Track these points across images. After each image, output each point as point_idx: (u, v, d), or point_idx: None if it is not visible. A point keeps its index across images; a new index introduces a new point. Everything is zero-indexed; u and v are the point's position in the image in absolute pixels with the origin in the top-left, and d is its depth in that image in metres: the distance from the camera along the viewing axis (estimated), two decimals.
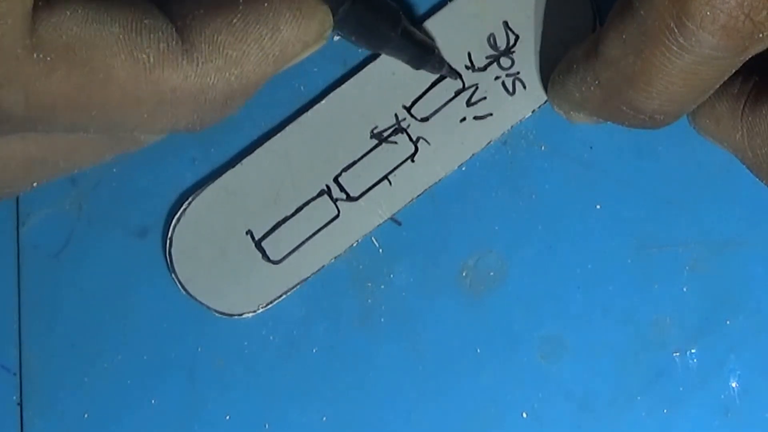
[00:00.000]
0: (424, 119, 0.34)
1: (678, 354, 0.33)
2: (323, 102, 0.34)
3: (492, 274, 0.34)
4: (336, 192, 0.34)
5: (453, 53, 0.34)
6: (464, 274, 0.34)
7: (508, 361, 0.34)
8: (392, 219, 0.34)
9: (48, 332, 0.35)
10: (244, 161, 0.34)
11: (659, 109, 0.28)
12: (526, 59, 0.34)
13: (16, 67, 0.23)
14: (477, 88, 0.34)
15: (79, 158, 0.28)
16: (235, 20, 0.25)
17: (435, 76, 0.34)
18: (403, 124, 0.34)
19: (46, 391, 0.35)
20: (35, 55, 0.23)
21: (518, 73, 0.34)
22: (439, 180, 0.34)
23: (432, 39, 0.34)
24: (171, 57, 0.25)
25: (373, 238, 0.34)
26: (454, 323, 0.34)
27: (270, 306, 0.34)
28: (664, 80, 0.27)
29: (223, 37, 0.25)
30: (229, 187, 0.34)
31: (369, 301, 0.34)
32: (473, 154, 0.34)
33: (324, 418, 0.34)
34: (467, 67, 0.34)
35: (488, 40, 0.34)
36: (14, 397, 0.35)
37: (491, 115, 0.34)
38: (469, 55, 0.34)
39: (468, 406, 0.33)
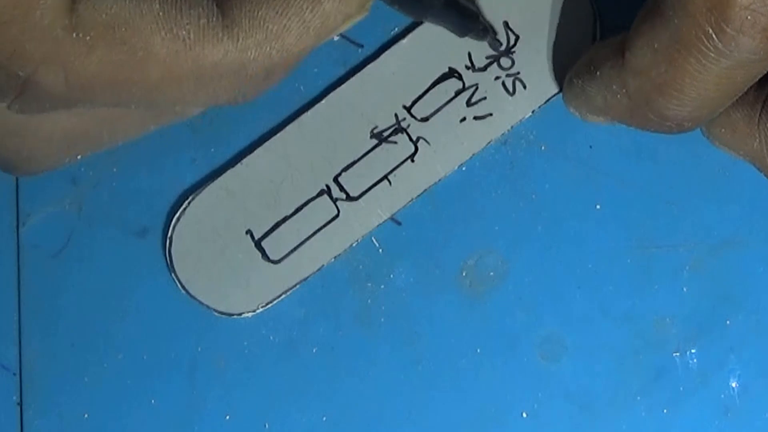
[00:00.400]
0: (424, 119, 0.34)
1: (678, 354, 0.33)
2: (323, 102, 0.34)
3: (492, 274, 0.34)
4: (336, 192, 0.34)
5: (453, 53, 0.34)
6: (464, 274, 0.34)
7: (508, 361, 0.34)
8: (392, 219, 0.34)
9: (48, 332, 0.35)
10: (244, 161, 0.34)
11: (688, 116, 0.28)
12: (527, 59, 0.34)
13: (56, 47, 0.23)
14: (477, 88, 0.34)
15: (123, 131, 0.28)
16: None
17: (435, 76, 0.34)
18: (403, 124, 0.34)
19: (46, 391, 0.35)
20: (74, 35, 0.23)
21: (518, 73, 0.34)
22: (439, 180, 0.34)
23: (477, 6, 0.34)
24: (211, 33, 0.24)
25: (373, 238, 0.34)
26: (454, 323, 0.34)
27: (270, 306, 0.34)
28: (697, 87, 0.27)
29: (264, 12, 0.25)
30: (229, 187, 0.34)
31: (369, 301, 0.34)
32: (473, 154, 0.34)
33: (324, 418, 0.34)
34: (467, 67, 0.34)
35: (487, 39, 0.34)
36: (14, 397, 0.35)
37: (491, 115, 0.34)
38: (469, 55, 0.34)
39: (468, 406, 0.33)
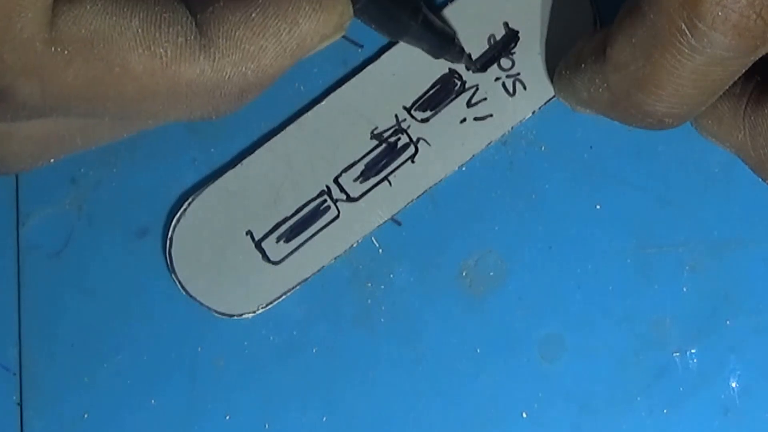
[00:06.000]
0: (425, 120, 0.34)
1: (678, 354, 0.33)
2: (323, 102, 0.34)
3: (492, 274, 0.34)
4: (336, 192, 0.34)
5: None
6: (464, 274, 0.34)
7: (508, 361, 0.34)
8: (392, 219, 0.34)
9: (48, 332, 0.35)
10: (245, 161, 0.34)
11: (668, 112, 0.28)
12: (527, 60, 0.34)
13: (34, 59, 0.23)
14: (477, 88, 0.34)
15: (96, 136, 0.28)
16: (254, 14, 0.25)
17: (435, 77, 0.34)
18: (404, 125, 0.34)
19: (46, 391, 0.35)
20: (53, 49, 0.23)
21: (518, 74, 0.34)
22: (439, 180, 0.34)
23: (452, 28, 0.34)
24: (188, 52, 0.25)
25: (373, 238, 0.34)
26: (454, 323, 0.34)
27: (270, 306, 0.34)
28: (674, 83, 0.27)
29: (241, 32, 0.25)
30: (229, 187, 0.34)
31: (369, 301, 0.34)
32: (473, 155, 0.34)
33: (324, 418, 0.34)
34: (467, 68, 0.34)
35: (488, 40, 0.34)
36: (14, 397, 0.35)
37: (491, 116, 0.34)
38: (469, 56, 0.34)
39: (468, 406, 0.33)
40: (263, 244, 0.34)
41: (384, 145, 0.34)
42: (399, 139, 0.34)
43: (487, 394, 0.33)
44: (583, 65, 0.30)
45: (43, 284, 0.35)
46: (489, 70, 0.34)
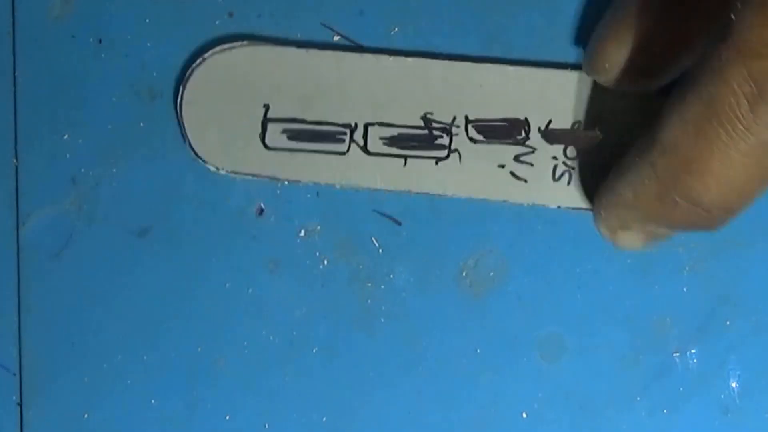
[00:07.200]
0: (472, 140, 0.34)
1: (678, 354, 0.33)
2: (416, 59, 0.34)
3: (492, 274, 0.34)
4: (358, 135, 0.34)
5: (540, 110, 0.33)
6: (464, 274, 0.34)
7: (508, 361, 0.34)
8: (392, 219, 0.34)
9: (48, 332, 0.35)
10: (311, 51, 0.34)
11: (717, 201, 0.27)
12: (589, 166, 0.33)
13: None
14: (534, 151, 0.33)
15: None
16: None
17: (511, 114, 0.33)
18: (454, 130, 0.34)
19: (46, 391, 0.35)
20: None
21: (573, 168, 0.33)
22: (443, 194, 0.34)
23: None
24: None
25: (373, 239, 0.34)
26: (454, 323, 0.34)
27: (254, 178, 0.34)
28: (725, 165, 0.26)
29: None
30: (275, 57, 0.34)
31: (369, 301, 0.34)
32: (485, 198, 0.34)
33: (324, 418, 0.34)
34: (539, 129, 0.33)
35: (574, 124, 0.33)
36: (14, 397, 0.35)
37: (525, 181, 0.34)
38: (550, 121, 0.34)
39: (468, 406, 0.33)
40: (268, 125, 0.34)
41: (425, 131, 0.34)
42: (441, 137, 0.34)
43: (487, 394, 0.33)
44: (627, 167, 0.29)
45: (43, 284, 0.35)
46: (554, 145, 0.34)
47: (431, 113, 0.34)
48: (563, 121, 0.33)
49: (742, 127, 0.25)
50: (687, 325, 0.33)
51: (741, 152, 0.26)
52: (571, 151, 0.33)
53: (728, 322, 0.33)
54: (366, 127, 0.34)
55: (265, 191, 0.35)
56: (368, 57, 0.34)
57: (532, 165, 0.34)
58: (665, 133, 0.27)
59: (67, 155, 0.36)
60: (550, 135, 0.33)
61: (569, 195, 0.33)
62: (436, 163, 0.34)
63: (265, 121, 0.34)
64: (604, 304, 0.34)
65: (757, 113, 0.25)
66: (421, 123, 0.34)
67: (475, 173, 0.34)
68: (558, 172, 0.33)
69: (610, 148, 0.33)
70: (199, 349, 0.35)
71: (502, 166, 0.34)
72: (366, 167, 0.34)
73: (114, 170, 0.35)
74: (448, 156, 0.34)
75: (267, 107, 0.34)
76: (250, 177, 0.34)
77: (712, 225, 0.28)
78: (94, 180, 0.35)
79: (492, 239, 0.34)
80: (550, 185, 0.33)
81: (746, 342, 0.33)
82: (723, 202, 0.27)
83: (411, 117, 0.34)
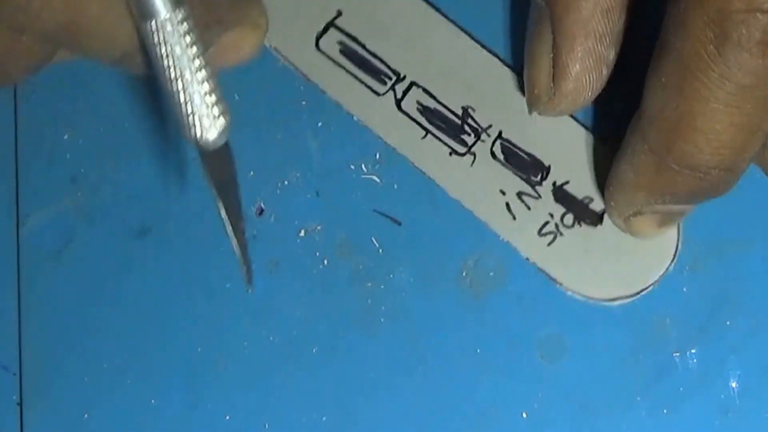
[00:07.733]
0: (494, 156, 0.34)
1: (678, 354, 0.33)
2: (492, 57, 0.34)
3: (492, 274, 0.34)
4: (399, 90, 0.34)
5: (563, 165, 0.34)
6: (464, 274, 0.34)
7: (508, 361, 0.34)
8: (392, 219, 0.34)
9: (48, 332, 0.35)
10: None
11: (712, 161, 0.27)
12: (582, 237, 0.33)
13: None
14: (538, 197, 0.34)
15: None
16: None
17: (538, 151, 0.34)
18: (483, 136, 0.34)
19: (46, 391, 0.35)
20: None
21: (562, 234, 0.33)
22: (441, 186, 0.34)
23: None
24: None
25: (373, 238, 0.34)
26: (454, 323, 0.34)
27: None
28: (710, 121, 0.26)
29: None
30: None
31: (369, 301, 0.34)
32: (473, 211, 0.34)
33: (324, 418, 0.34)
34: (554, 183, 0.34)
35: (585, 198, 0.34)
36: (14, 397, 0.35)
37: (514, 219, 0.34)
38: (568, 182, 0.34)
39: (468, 406, 0.33)
40: (330, 29, 0.35)
41: (458, 121, 0.34)
42: (468, 135, 0.34)
43: (487, 394, 0.33)
44: (624, 144, 0.29)
45: (43, 284, 0.35)
46: (558, 205, 0.34)
47: (473, 109, 0.34)
48: (579, 187, 0.34)
49: (716, 74, 0.25)
50: (687, 325, 0.33)
51: (722, 102, 0.25)
52: (568, 219, 0.33)
53: (728, 322, 0.33)
54: (411, 85, 0.34)
55: (266, 191, 0.35)
56: (460, 34, 0.35)
57: (528, 208, 0.34)
58: (648, 101, 0.27)
59: (67, 155, 0.36)
60: (559, 192, 0.34)
61: (543, 254, 0.33)
62: (450, 155, 0.34)
63: (329, 24, 0.34)
64: (604, 304, 0.34)
65: (725, 55, 0.24)
66: (459, 112, 0.34)
67: (476, 184, 0.34)
68: (545, 230, 0.34)
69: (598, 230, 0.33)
70: (199, 349, 0.35)
71: (503, 193, 0.34)
72: (389, 117, 0.35)
73: (114, 170, 0.35)
74: (464, 154, 0.34)
75: (339, 13, 0.35)
76: (289, 65, 0.35)
77: (715, 189, 0.28)
78: (94, 180, 0.35)
79: (492, 239, 0.34)
80: (532, 236, 0.34)
81: (746, 342, 0.33)
82: (718, 161, 0.27)
83: (454, 101, 0.34)
